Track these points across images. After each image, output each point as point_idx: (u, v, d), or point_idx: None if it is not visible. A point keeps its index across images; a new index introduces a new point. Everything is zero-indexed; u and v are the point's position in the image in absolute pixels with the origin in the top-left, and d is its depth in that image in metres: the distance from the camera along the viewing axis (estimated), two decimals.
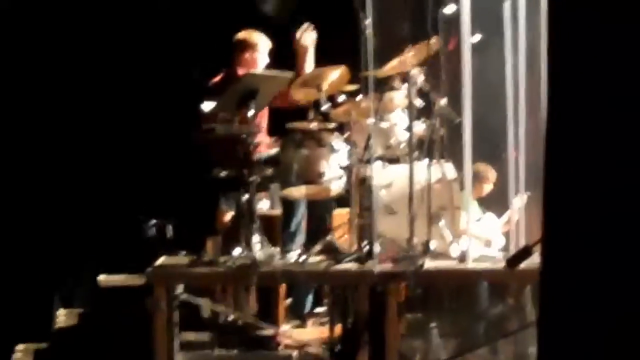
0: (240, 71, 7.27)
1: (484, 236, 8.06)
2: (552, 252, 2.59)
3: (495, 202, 8.12)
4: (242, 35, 7.50)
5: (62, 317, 8.17)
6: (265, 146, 7.36)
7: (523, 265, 4.55)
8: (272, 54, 7.51)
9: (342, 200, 7.10)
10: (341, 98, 6.95)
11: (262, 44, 7.46)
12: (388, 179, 6.83)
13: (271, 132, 7.53)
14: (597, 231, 2.46)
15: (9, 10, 9.16)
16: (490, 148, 7.31)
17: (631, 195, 2.43)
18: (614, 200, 2.44)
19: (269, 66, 7.44)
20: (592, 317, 2.48)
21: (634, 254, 2.42)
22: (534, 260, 4.19)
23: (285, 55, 7.39)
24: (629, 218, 2.43)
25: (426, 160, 6.72)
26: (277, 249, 6.86)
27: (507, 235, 7.77)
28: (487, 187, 8.33)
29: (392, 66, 6.82)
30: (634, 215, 2.42)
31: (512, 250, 6.76)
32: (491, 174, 8.19)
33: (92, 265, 8.93)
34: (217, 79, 7.41)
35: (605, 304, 2.46)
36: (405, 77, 6.73)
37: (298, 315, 7.52)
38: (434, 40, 6.73)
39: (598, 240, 2.46)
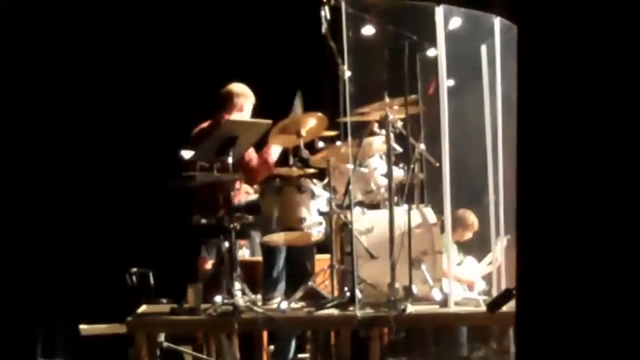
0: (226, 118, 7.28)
1: (465, 279, 8.09)
2: (527, 296, 2.60)
3: (475, 246, 8.16)
4: (230, 86, 7.50)
5: None
6: (245, 192, 7.38)
7: (505, 308, 4.54)
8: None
9: (323, 246, 7.10)
10: (320, 144, 6.97)
11: (249, 95, 7.48)
12: (368, 224, 6.85)
13: None
14: (572, 273, 2.47)
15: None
16: (470, 192, 7.34)
17: (604, 236, 2.44)
18: (588, 242, 2.46)
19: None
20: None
21: (610, 294, 2.43)
22: None
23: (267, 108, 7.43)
24: (603, 259, 2.44)
25: (406, 205, 6.74)
26: (259, 296, 6.85)
27: (487, 278, 7.79)
28: (469, 235, 8.38)
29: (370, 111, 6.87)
30: (607, 256, 2.43)
31: (494, 293, 6.78)
32: (476, 223, 8.24)
33: (73, 314, 8.89)
34: (203, 125, 7.41)
35: (583, 347, 2.46)
36: (383, 122, 6.76)
37: None
38: (413, 97, 6.80)
39: (573, 282, 2.47)
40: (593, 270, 2.45)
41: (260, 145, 7.21)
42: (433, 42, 6.63)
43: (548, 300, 2.51)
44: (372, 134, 6.96)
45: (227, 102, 7.43)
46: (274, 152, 7.25)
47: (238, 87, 7.48)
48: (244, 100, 7.43)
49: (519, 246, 2.59)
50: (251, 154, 7.17)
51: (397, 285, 6.48)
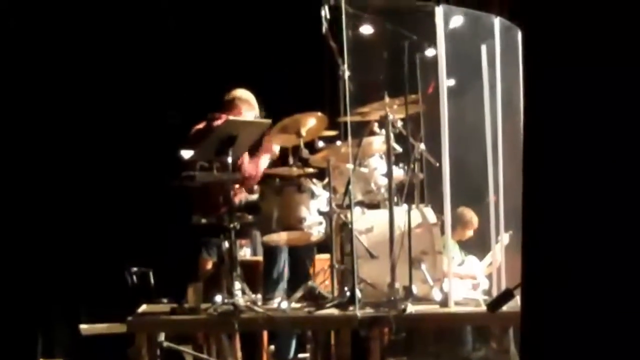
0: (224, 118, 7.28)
1: (468, 278, 8.09)
2: (532, 296, 2.59)
3: (477, 245, 8.15)
4: (237, 90, 7.51)
5: None
6: (246, 192, 7.38)
7: (505, 308, 4.53)
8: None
9: (323, 246, 7.10)
10: (320, 144, 6.97)
11: (253, 105, 7.49)
12: (368, 224, 6.84)
13: None
14: (576, 273, 2.47)
15: None
16: (470, 192, 7.33)
17: (608, 238, 2.44)
18: (592, 243, 2.45)
19: None
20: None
21: (613, 296, 2.43)
22: (516, 303, 4.19)
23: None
24: (606, 260, 2.44)
25: (406, 205, 6.74)
26: (259, 296, 6.85)
27: (490, 277, 7.79)
28: (470, 232, 8.39)
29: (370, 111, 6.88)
30: (611, 257, 2.43)
31: (494, 292, 6.77)
32: (475, 219, 8.24)
33: (73, 314, 8.89)
34: (200, 125, 7.41)
35: (587, 347, 2.46)
36: (383, 122, 6.76)
37: None
38: (413, 96, 6.79)
39: (577, 282, 2.47)
40: (598, 265, 2.45)
41: (258, 145, 7.24)
42: (433, 42, 6.62)
43: (554, 296, 2.51)
44: (372, 133, 6.96)
45: (228, 103, 7.44)
46: (263, 163, 7.29)
47: (244, 93, 7.51)
48: (246, 107, 7.44)
49: (524, 242, 2.59)
50: (244, 158, 7.18)
51: (397, 285, 6.48)
